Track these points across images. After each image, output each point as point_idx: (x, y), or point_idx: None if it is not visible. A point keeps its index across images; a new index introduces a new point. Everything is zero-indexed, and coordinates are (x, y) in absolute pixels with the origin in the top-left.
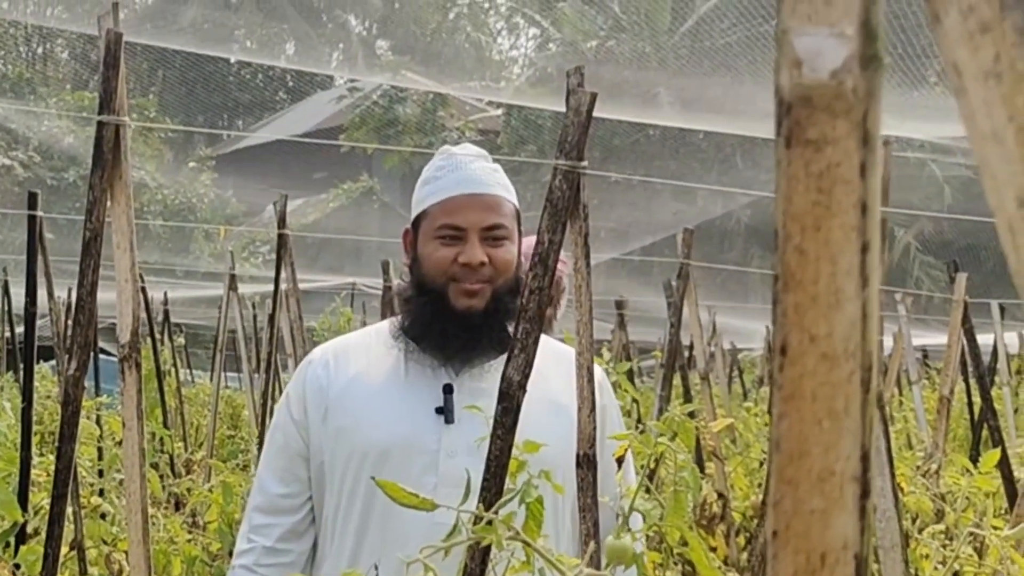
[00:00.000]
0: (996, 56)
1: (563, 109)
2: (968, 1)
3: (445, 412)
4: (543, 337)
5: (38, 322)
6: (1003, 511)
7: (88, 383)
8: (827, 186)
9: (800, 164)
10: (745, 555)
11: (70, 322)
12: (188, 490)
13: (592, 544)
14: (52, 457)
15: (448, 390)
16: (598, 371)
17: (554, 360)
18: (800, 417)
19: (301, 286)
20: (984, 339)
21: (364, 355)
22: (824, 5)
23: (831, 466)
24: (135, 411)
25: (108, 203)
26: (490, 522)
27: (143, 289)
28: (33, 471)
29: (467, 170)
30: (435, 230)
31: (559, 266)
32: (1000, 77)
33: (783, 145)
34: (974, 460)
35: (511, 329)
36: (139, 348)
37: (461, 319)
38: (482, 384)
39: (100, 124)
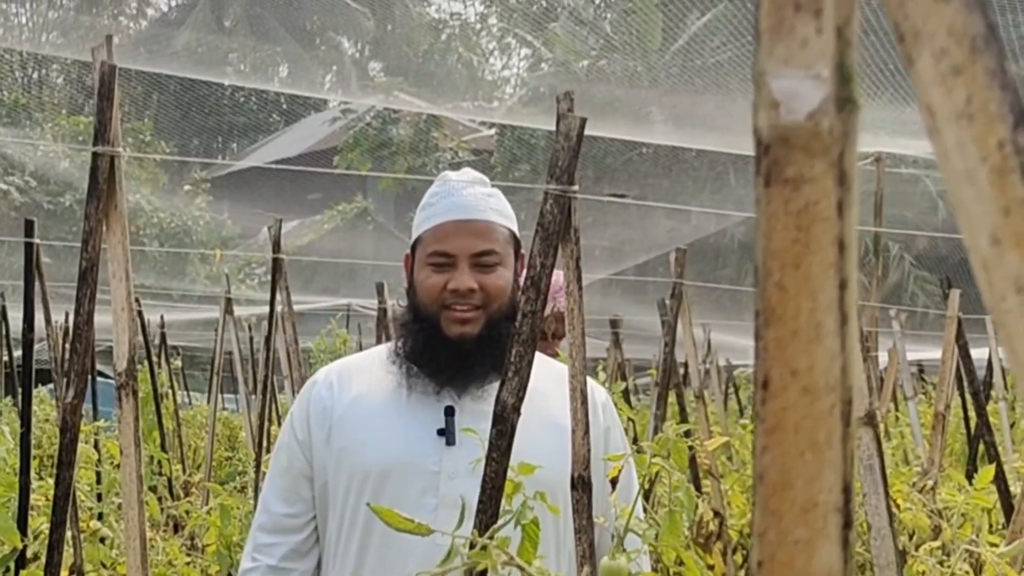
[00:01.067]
0: (968, 98)
1: (554, 128)
2: (940, 44)
3: (446, 434)
4: (543, 358)
5: (35, 346)
6: (1000, 527)
7: (86, 406)
8: (806, 224)
9: (779, 202)
10: (743, 573)
11: (67, 346)
12: (187, 512)
13: (587, 567)
14: (51, 481)
15: (450, 412)
16: (602, 392)
17: (555, 381)
18: (783, 450)
19: (296, 308)
20: (979, 353)
21: (367, 377)
22: (800, 48)
23: (814, 497)
24: (132, 438)
25: (104, 232)
26: (484, 546)
27: (140, 313)
28: (32, 496)
29: (459, 196)
30: (427, 257)
31: (563, 301)
32: (972, 118)
33: (762, 184)
34: (970, 476)
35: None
36: (136, 376)
37: (454, 346)
38: (484, 406)
39: (95, 155)
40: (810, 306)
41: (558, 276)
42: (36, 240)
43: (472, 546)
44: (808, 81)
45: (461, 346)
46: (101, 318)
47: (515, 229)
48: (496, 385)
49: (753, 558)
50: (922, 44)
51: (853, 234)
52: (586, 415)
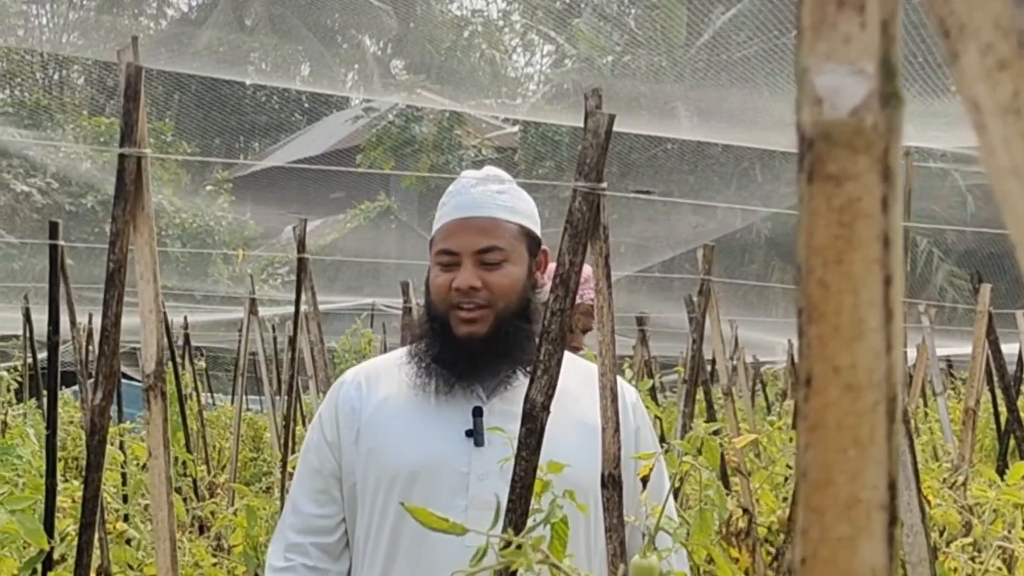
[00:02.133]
0: (1015, 92)
1: (580, 124)
2: (986, 39)
3: (475, 435)
4: (573, 357)
5: (59, 348)
6: None
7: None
8: (848, 220)
9: (821, 198)
10: (772, 573)
11: (91, 348)
12: (212, 513)
13: (621, 565)
14: (76, 483)
15: (478, 413)
16: (632, 392)
17: (585, 380)
18: (825, 446)
19: (320, 307)
20: (1009, 348)
21: (395, 378)
22: (842, 43)
23: (857, 494)
24: (161, 440)
25: (131, 233)
26: (519, 545)
27: (164, 314)
28: (58, 498)
29: (466, 194)
30: (435, 256)
31: (588, 294)
32: (1019, 113)
33: (805, 180)
34: (1001, 471)
35: (520, 352)
36: (164, 378)
37: (461, 346)
38: (512, 407)
39: (122, 156)
40: (852, 302)
41: (584, 269)
42: (60, 242)
43: (506, 545)
44: (851, 77)
45: (468, 346)
46: (125, 320)
47: (531, 225)
48: (521, 385)
49: (796, 555)
50: (967, 39)
51: (898, 230)
52: (616, 413)
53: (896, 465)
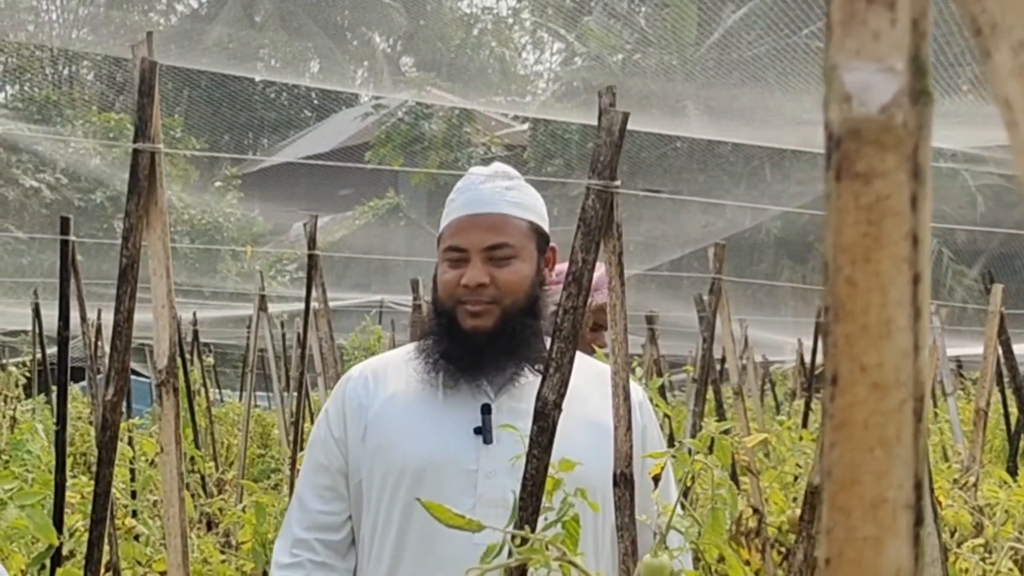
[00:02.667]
0: None
1: (590, 122)
2: (1019, 37)
3: (483, 432)
4: (582, 357)
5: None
6: None
7: None
8: (876, 218)
9: (849, 197)
10: (782, 572)
11: (100, 344)
12: (220, 510)
13: (632, 564)
14: (84, 479)
15: (486, 410)
16: (638, 391)
17: (593, 380)
18: (851, 446)
19: (329, 304)
20: (1020, 349)
21: (402, 375)
22: (872, 40)
23: (883, 493)
24: (173, 435)
25: (144, 229)
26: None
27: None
28: (67, 493)
29: (475, 191)
30: (443, 252)
31: (598, 297)
32: None
33: (833, 178)
34: (1012, 472)
35: (527, 349)
36: (176, 373)
37: (467, 339)
38: (521, 404)
39: (136, 152)
40: (880, 301)
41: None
42: (72, 237)
43: (522, 542)
44: (881, 74)
45: (474, 340)
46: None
47: (539, 222)
48: (530, 383)
49: (820, 555)
50: (1000, 37)
51: (927, 228)
52: (628, 412)
53: (923, 465)
